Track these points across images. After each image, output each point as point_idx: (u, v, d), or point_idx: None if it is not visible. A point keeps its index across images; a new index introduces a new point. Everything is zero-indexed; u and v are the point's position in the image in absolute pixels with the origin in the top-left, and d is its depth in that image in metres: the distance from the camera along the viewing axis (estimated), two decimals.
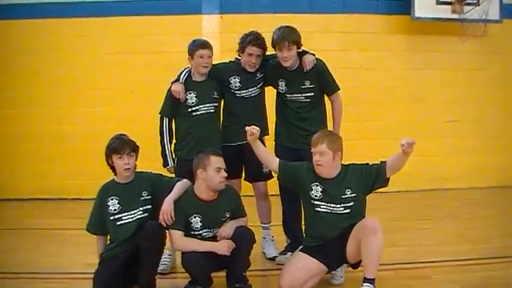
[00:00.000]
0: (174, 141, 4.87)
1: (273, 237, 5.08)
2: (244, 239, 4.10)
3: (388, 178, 4.21)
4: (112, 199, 4.13)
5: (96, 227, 4.21)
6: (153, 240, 3.92)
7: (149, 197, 4.19)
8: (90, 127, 7.63)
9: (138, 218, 4.12)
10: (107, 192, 4.17)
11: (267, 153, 4.46)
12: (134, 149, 4.16)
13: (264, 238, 5.06)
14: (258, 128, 4.31)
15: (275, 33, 4.67)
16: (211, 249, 4.03)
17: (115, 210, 4.11)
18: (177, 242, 4.10)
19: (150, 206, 4.17)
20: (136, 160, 4.19)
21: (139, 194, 4.16)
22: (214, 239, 4.17)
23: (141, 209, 4.14)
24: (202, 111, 4.75)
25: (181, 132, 4.82)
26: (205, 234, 4.18)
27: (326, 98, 4.94)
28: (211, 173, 4.12)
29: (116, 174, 4.21)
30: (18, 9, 7.69)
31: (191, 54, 4.73)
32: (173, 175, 4.69)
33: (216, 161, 4.15)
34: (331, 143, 4.12)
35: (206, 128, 4.75)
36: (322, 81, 4.77)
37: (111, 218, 4.11)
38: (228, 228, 4.17)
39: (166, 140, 4.80)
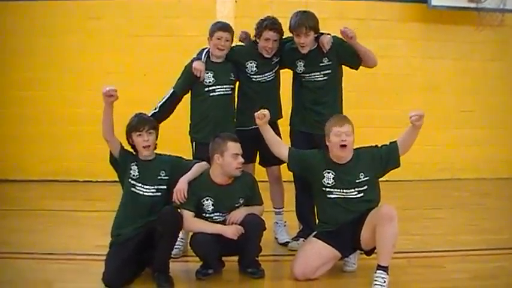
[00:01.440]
0: (189, 122, 4.87)
1: (285, 222, 5.08)
2: (253, 226, 4.08)
3: (399, 158, 4.20)
4: (134, 165, 4.22)
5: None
6: (169, 225, 3.94)
7: (167, 177, 4.22)
8: (101, 110, 7.58)
9: (151, 196, 4.17)
10: (133, 158, 4.26)
11: (277, 139, 4.43)
12: (154, 126, 4.24)
13: (277, 223, 5.06)
14: (268, 112, 4.30)
15: (292, 18, 4.63)
16: (219, 232, 4.04)
17: (135, 176, 4.20)
18: (187, 221, 4.09)
19: (165, 187, 4.20)
20: (156, 139, 4.25)
21: (157, 172, 4.22)
22: (225, 223, 4.16)
23: (156, 187, 4.19)
24: (219, 92, 4.73)
25: (198, 114, 4.81)
26: (216, 217, 4.17)
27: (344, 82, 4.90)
28: (229, 159, 4.11)
29: (136, 153, 4.27)
30: None
31: (211, 34, 4.74)
32: None
33: (234, 147, 4.13)
34: (352, 125, 4.14)
35: (223, 110, 4.75)
36: (344, 55, 4.69)
37: (130, 181, 4.19)
38: (238, 213, 4.15)
39: (158, 108, 4.71)
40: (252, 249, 4.15)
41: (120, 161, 4.24)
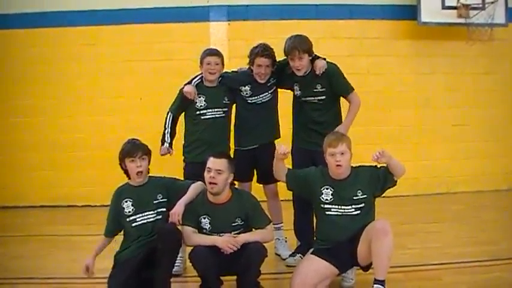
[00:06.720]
0: (182, 142, 5.02)
1: (286, 238, 5.13)
2: (253, 254, 4.05)
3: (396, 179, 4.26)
4: (126, 201, 4.21)
5: (113, 231, 4.28)
6: (169, 242, 3.97)
7: (164, 200, 4.25)
8: (99, 135, 7.71)
9: (153, 221, 4.18)
10: (121, 195, 4.25)
11: (283, 167, 4.43)
12: (146, 152, 4.26)
13: (278, 239, 5.10)
14: (289, 151, 4.33)
15: (286, 42, 4.75)
16: (213, 243, 4.04)
17: (129, 212, 4.19)
18: (187, 236, 4.14)
19: (164, 209, 4.22)
20: (148, 164, 4.27)
21: (153, 196, 4.24)
22: None
23: (156, 211, 4.21)
24: (210, 116, 4.89)
25: (189, 135, 4.97)
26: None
27: (342, 100, 4.99)
28: (204, 173, 4.18)
29: (129, 178, 4.28)
30: (28, 19, 7.78)
31: (201, 61, 4.93)
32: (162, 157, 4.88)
33: (209, 162, 4.18)
34: (349, 143, 4.21)
35: (214, 132, 4.88)
36: (335, 84, 4.82)
37: (127, 219, 4.18)
38: (241, 238, 4.10)
39: (167, 131, 4.95)
40: (251, 276, 4.11)
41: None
